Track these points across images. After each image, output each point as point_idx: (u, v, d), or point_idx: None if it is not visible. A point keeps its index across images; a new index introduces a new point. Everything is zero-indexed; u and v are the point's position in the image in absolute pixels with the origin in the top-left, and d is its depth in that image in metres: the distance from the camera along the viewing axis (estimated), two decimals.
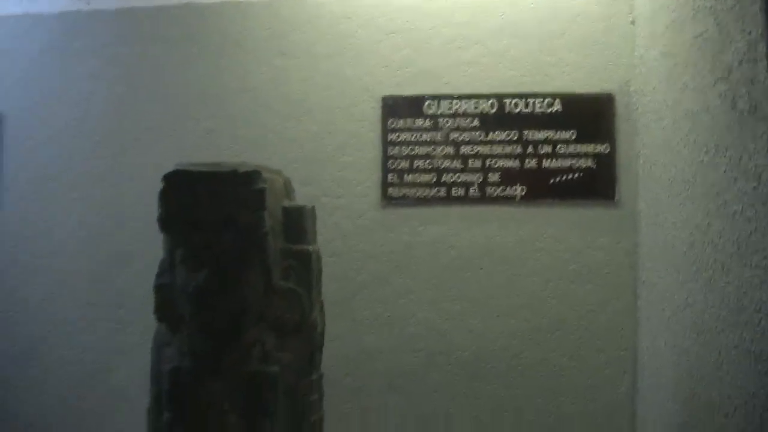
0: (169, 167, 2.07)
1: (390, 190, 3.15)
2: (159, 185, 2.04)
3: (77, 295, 3.31)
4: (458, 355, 3.11)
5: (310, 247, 2.19)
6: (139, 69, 3.34)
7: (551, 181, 3.08)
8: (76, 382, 3.29)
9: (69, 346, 3.30)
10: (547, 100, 3.10)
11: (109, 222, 3.31)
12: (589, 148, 3.07)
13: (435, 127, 3.15)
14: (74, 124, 3.36)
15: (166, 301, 2.17)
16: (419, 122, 3.16)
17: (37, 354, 3.31)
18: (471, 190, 3.12)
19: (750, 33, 1.76)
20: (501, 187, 3.11)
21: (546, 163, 3.09)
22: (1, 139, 3.39)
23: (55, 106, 3.39)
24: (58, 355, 3.30)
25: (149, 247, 2.42)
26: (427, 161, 3.15)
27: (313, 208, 2.26)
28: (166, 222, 2.08)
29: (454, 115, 3.15)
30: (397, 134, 3.16)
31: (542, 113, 3.10)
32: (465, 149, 3.13)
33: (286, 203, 2.20)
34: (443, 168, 3.14)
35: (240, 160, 2.19)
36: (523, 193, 3.10)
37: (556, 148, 3.08)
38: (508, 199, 3.11)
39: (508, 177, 3.11)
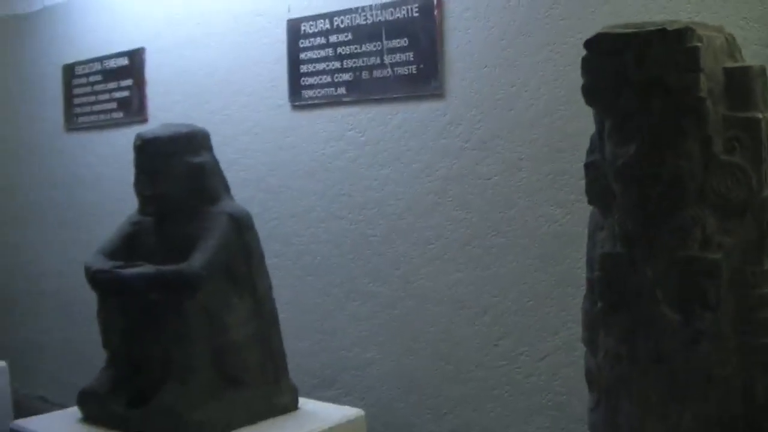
0: None
1: None
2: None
3: (524, 180, 3.33)
4: None
5: (760, 114, 1.92)
6: None
7: None
8: (524, 270, 3.36)
9: (519, 228, 3.36)
10: None
11: (546, 100, 3.25)
12: None
13: None
14: (507, 10, 3.34)
15: (596, 181, 2.12)
16: None
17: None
18: None
19: None
20: None
21: None
22: (440, 26, 3.50)
23: None
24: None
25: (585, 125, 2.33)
26: None
27: (763, 68, 1.97)
28: (590, 92, 2.01)
29: None
30: None
31: None
32: None
33: (729, 64, 1.95)
34: None
35: (671, 18, 1.97)
36: None
37: None
38: None
39: None
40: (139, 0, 4.73)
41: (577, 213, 3.13)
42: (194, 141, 3.04)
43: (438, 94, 3.52)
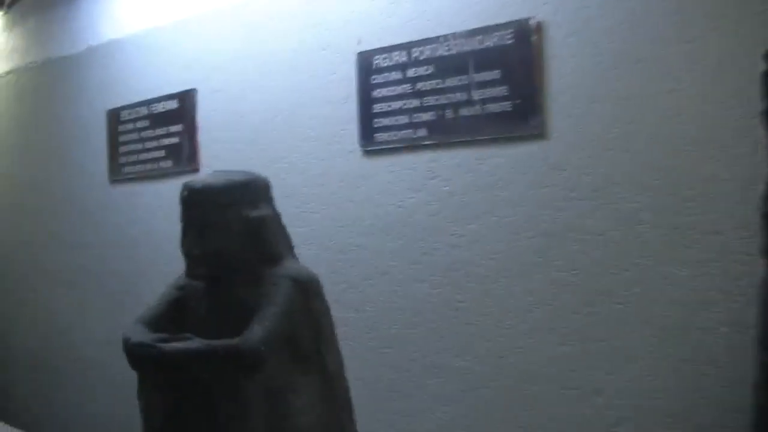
0: None
1: None
2: None
3: (644, 236, 3.00)
4: None
5: None
6: None
7: None
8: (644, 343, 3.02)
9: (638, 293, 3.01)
10: None
11: (669, 139, 2.93)
12: None
13: None
14: (619, 33, 3.04)
15: None
16: None
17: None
18: None
19: None
20: None
21: None
22: (539, 55, 3.20)
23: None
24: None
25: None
26: None
27: None
28: None
29: None
30: None
31: None
32: None
33: None
34: None
35: None
36: None
37: None
38: None
39: None
40: (190, 37, 4.58)
41: (709, 275, 2.86)
42: (252, 191, 2.75)
43: (538, 134, 3.23)
